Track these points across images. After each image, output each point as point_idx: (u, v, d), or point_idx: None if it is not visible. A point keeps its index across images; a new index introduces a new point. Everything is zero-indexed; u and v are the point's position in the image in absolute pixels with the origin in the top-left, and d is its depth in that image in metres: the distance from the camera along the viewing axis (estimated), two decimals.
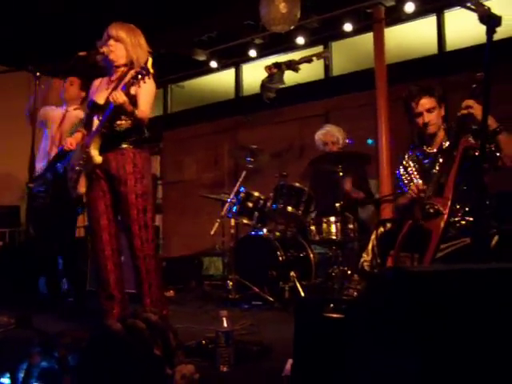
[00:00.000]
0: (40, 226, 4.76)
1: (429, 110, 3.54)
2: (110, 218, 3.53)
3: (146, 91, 3.42)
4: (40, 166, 4.70)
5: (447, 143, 3.52)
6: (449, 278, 1.35)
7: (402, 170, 3.75)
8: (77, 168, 3.49)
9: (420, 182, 3.51)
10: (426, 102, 3.54)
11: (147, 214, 3.44)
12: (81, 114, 4.73)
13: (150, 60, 3.27)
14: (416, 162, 3.69)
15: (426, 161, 3.63)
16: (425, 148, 3.66)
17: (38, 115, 4.73)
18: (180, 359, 2.13)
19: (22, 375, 2.03)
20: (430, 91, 3.56)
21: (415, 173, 3.66)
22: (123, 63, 3.50)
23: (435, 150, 3.59)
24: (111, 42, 3.48)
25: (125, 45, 3.47)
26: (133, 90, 3.33)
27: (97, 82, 3.69)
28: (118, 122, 3.41)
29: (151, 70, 3.24)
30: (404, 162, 3.75)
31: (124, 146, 3.45)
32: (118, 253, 3.55)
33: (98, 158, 3.38)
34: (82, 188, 3.49)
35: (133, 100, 3.35)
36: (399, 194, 3.75)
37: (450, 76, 5.80)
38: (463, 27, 6.11)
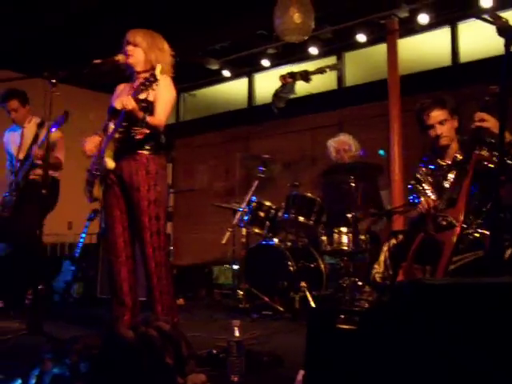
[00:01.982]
0: None
1: (440, 122, 3.53)
2: (125, 225, 3.53)
3: (164, 99, 3.43)
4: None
5: (460, 156, 3.50)
6: (465, 291, 1.34)
7: (414, 184, 3.73)
8: (94, 172, 3.51)
9: (432, 197, 3.49)
10: (437, 115, 3.53)
11: (159, 221, 3.43)
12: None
13: (159, 67, 3.28)
14: (429, 174, 3.67)
15: (440, 173, 3.61)
16: (438, 160, 3.64)
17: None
18: (191, 368, 2.12)
19: (33, 381, 2.03)
20: (442, 103, 3.55)
21: (428, 186, 3.64)
22: (144, 68, 3.49)
23: (449, 163, 3.57)
24: (129, 47, 3.50)
25: (142, 48, 3.49)
26: (151, 97, 3.35)
27: (121, 87, 3.70)
28: (135, 128, 3.42)
29: (158, 77, 3.25)
30: (417, 175, 3.73)
31: (139, 152, 3.45)
32: (132, 260, 3.55)
33: (110, 164, 3.39)
34: (96, 192, 3.49)
35: (150, 106, 3.37)
36: (411, 206, 3.72)
37: (464, 88, 5.79)
38: (477, 39, 6.10)
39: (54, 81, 3.44)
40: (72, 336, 2.31)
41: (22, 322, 3.64)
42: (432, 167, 3.67)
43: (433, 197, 3.51)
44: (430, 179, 3.65)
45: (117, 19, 6.06)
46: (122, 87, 3.69)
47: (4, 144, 5.35)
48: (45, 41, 6.71)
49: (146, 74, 3.32)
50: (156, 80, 3.24)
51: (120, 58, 3.49)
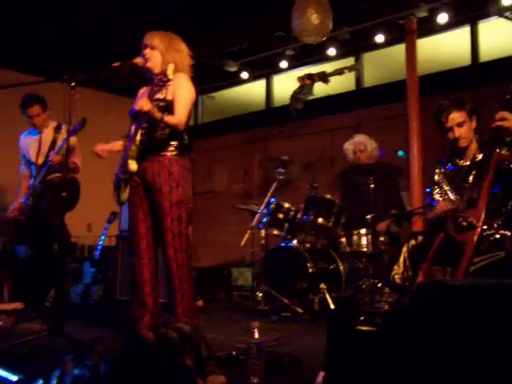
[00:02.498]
0: None
1: (459, 124, 3.51)
2: (148, 227, 3.54)
3: (183, 98, 3.44)
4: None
5: (480, 156, 3.47)
6: (488, 292, 1.33)
7: (433, 186, 3.70)
8: (120, 176, 3.53)
9: (452, 197, 3.45)
10: (456, 117, 3.50)
11: (181, 223, 3.43)
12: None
13: (171, 66, 3.29)
14: (448, 175, 3.64)
15: (459, 174, 3.58)
16: (457, 161, 3.61)
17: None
18: (211, 370, 2.13)
19: (54, 382, 2.04)
20: (460, 105, 3.52)
21: (447, 186, 3.61)
22: (162, 70, 3.50)
23: (468, 163, 3.54)
24: (147, 50, 3.52)
25: (160, 51, 3.50)
26: (169, 96, 3.36)
27: (142, 91, 3.72)
28: (156, 129, 3.43)
29: (170, 77, 3.26)
30: (436, 177, 3.70)
31: (162, 153, 3.46)
32: (154, 261, 3.56)
33: (133, 166, 3.40)
34: (125, 195, 3.51)
35: (169, 105, 3.38)
36: (430, 208, 3.69)
37: (484, 88, 5.73)
38: (498, 38, 6.04)
39: (73, 84, 3.46)
40: (92, 337, 2.33)
41: (43, 324, 3.67)
42: (451, 168, 3.64)
43: (452, 197, 3.48)
44: (449, 180, 3.62)
45: (135, 21, 6.11)
46: (142, 91, 3.71)
47: (20, 149, 5.39)
48: (64, 43, 6.76)
49: (160, 75, 3.34)
50: (168, 80, 3.25)
51: (138, 60, 3.51)
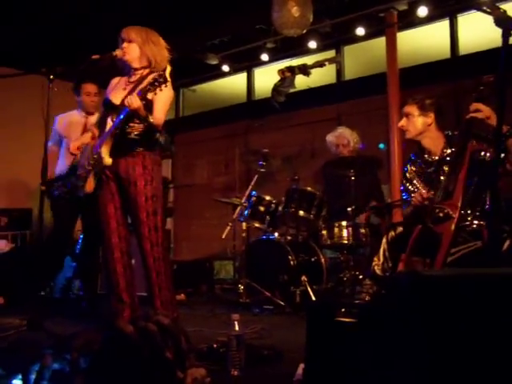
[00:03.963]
0: (62, 228, 4.78)
1: (406, 115, 3.62)
2: (119, 221, 3.53)
3: (162, 98, 3.44)
4: (60, 169, 4.73)
5: (448, 150, 3.52)
6: (463, 282, 1.34)
7: (405, 183, 3.74)
8: (87, 167, 3.50)
9: (424, 191, 3.49)
10: (405, 108, 3.65)
11: (157, 217, 3.44)
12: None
13: (169, 68, 3.31)
14: (418, 171, 3.68)
15: (429, 169, 3.61)
16: (425, 157, 3.65)
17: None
18: (191, 363, 2.12)
19: (33, 377, 2.03)
20: (414, 99, 3.63)
21: (419, 183, 3.65)
22: (141, 65, 3.52)
23: (437, 158, 3.58)
24: (124, 44, 3.52)
25: (137, 44, 3.51)
26: (149, 96, 3.35)
27: (115, 81, 3.71)
28: (131, 125, 3.42)
29: (169, 78, 3.27)
30: (407, 175, 3.74)
31: (135, 148, 3.46)
32: (127, 256, 3.55)
33: (107, 160, 3.39)
34: (89, 187, 3.48)
35: (148, 105, 3.37)
36: (406, 204, 3.72)
37: (463, 80, 5.78)
38: (476, 31, 6.09)
39: (51, 77, 3.43)
40: (72, 331, 2.32)
41: (23, 319, 3.65)
42: (421, 164, 3.68)
43: (424, 192, 3.51)
44: (421, 176, 3.66)
45: (116, 14, 6.06)
46: (116, 80, 3.70)
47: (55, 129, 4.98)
48: (43, 37, 6.69)
49: (154, 74, 3.32)
50: (166, 81, 3.24)
51: (118, 53, 3.50)
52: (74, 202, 4.34)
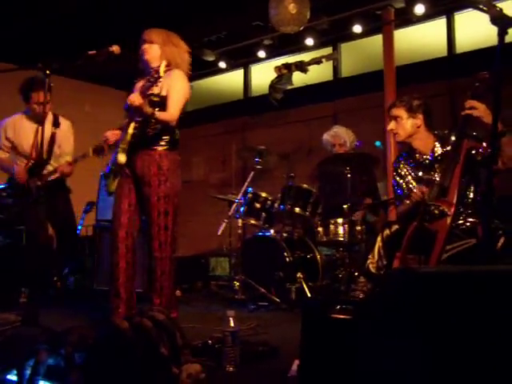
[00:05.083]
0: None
1: (395, 119, 3.62)
2: (131, 217, 3.57)
3: (177, 94, 3.49)
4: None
5: (440, 149, 3.52)
6: (456, 279, 1.35)
7: (398, 178, 3.74)
8: (111, 167, 3.57)
9: (424, 186, 3.50)
10: (392, 111, 3.64)
11: (168, 217, 3.48)
12: None
13: (164, 64, 3.31)
14: (409, 170, 3.69)
15: (421, 168, 3.61)
16: (417, 156, 3.64)
17: None
18: (186, 358, 2.13)
19: (28, 372, 2.03)
20: (401, 101, 3.63)
21: (412, 181, 3.65)
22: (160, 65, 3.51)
23: (428, 157, 3.58)
24: (145, 45, 3.58)
25: (158, 44, 3.57)
26: (164, 91, 3.42)
27: (139, 84, 3.70)
28: (149, 124, 3.47)
29: (162, 74, 3.28)
30: (399, 171, 3.74)
31: (152, 147, 3.50)
32: (132, 252, 3.57)
33: (121, 158, 3.42)
34: (112, 186, 3.55)
35: (163, 101, 3.43)
36: (405, 197, 3.72)
37: (460, 78, 5.79)
38: (473, 29, 6.09)
39: (48, 72, 3.41)
40: (67, 327, 2.31)
41: (18, 314, 3.64)
42: (412, 164, 3.68)
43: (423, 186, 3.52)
44: (412, 174, 3.66)
45: (113, 10, 6.05)
46: (140, 83, 3.68)
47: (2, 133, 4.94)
48: (40, 32, 6.67)
49: (153, 71, 3.36)
50: (159, 77, 3.27)
51: (114, 48, 3.49)
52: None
